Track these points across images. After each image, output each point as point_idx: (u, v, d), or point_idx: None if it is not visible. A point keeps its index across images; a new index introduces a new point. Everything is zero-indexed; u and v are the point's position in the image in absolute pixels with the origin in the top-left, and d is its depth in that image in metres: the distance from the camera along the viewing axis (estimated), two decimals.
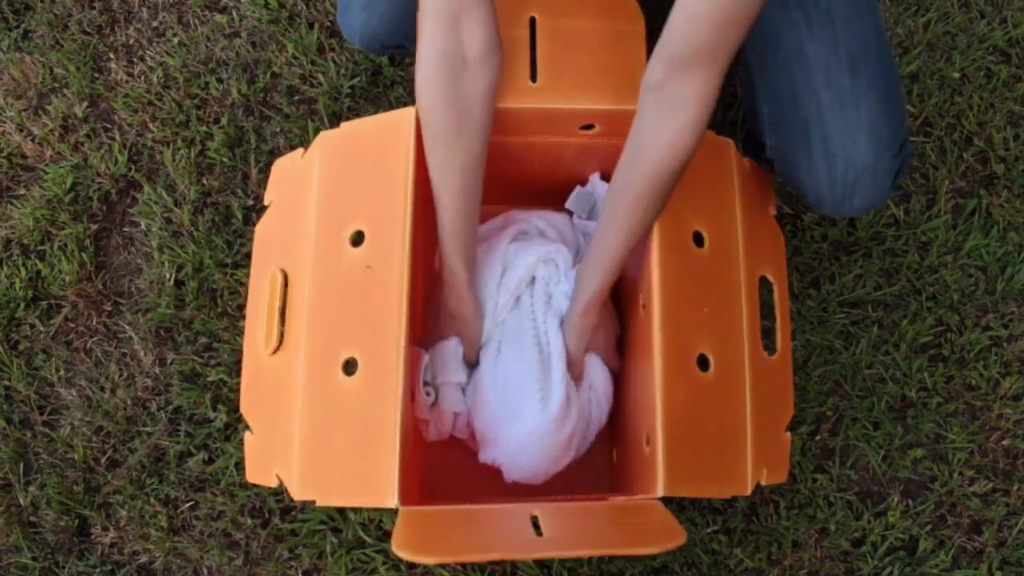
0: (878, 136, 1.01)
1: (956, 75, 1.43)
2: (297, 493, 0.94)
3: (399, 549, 0.79)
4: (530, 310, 1.09)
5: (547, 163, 1.12)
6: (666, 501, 1.24)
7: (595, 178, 1.17)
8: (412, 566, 1.20)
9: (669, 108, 0.91)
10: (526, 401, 1.05)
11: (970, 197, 1.38)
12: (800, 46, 1.02)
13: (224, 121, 1.39)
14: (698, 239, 1.02)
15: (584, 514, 0.94)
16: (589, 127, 1.07)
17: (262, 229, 1.08)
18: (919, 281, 1.33)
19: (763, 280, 1.07)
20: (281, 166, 1.10)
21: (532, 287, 1.11)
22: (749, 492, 0.98)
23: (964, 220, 1.37)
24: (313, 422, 0.95)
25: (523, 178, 1.16)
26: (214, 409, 1.27)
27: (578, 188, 1.17)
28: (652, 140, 0.93)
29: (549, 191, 1.18)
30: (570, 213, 1.19)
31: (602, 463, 1.19)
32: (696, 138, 0.92)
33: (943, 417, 1.28)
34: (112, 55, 1.45)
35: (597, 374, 1.10)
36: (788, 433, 1.04)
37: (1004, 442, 1.28)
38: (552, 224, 1.17)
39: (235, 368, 1.28)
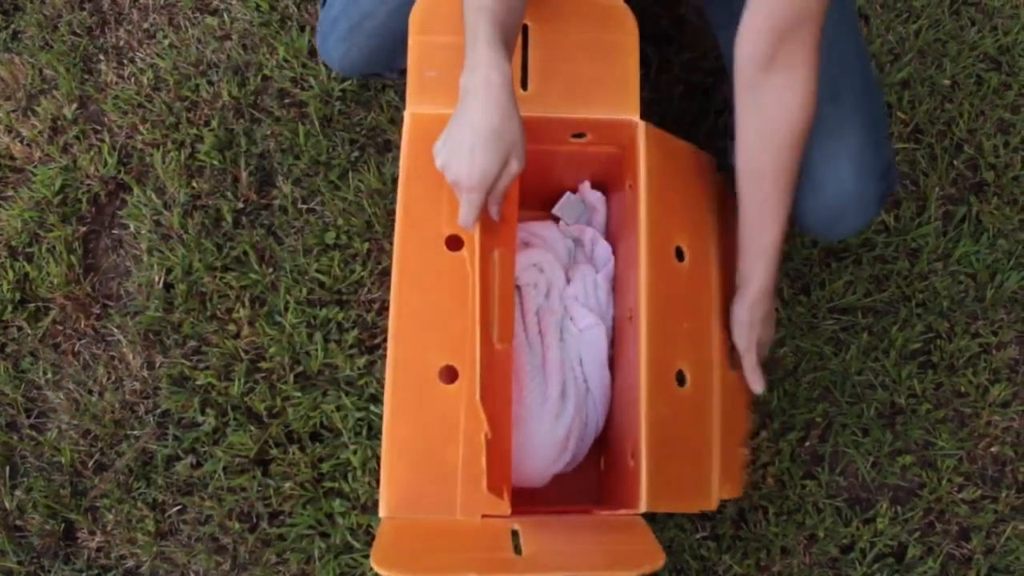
0: (861, 163, 1.01)
1: (947, 82, 1.43)
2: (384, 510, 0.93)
3: (377, 564, 0.80)
4: (519, 314, 1.09)
5: (538, 171, 1.11)
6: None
7: (585, 186, 1.17)
8: None
9: (786, 76, 0.92)
10: (522, 401, 1.05)
11: (960, 204, 1.38)
12: None
13: (214, 124, 1.39)
14: (679, 254, 1.03)
15: (566, 529, 0.94)
16: (580, 136, 1.07)
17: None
18: (909, 288, 1.34)
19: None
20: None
21: (519, 292, 1.11)
22: (715, 507, 1.00)
23: (954, 227, 1.37)
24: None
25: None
26: (202, 413, 1.26)
27: (568, 194, 1.17)
28: (780, 112, 0.93)
29: (540, 198, 1.18)
30: (557, 220, 1.18)
31: (593, 468, 1.19)
32: (816, 91, 0.93)
33: (932, 424, 1.29)
34: (102, 57, 1.44)
35: (595, 377, 1.10)
36: (743, 448, 1.07)
37: (993, 449, 1.28)
38: (536, 234, 1.16)
39: (224, 372, 1.28)
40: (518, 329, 1.09)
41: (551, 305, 1.11)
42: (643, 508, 0.93)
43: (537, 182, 1.15)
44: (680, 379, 0.99)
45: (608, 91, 1.03)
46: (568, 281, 1.12)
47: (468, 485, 0.91)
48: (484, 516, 0.91)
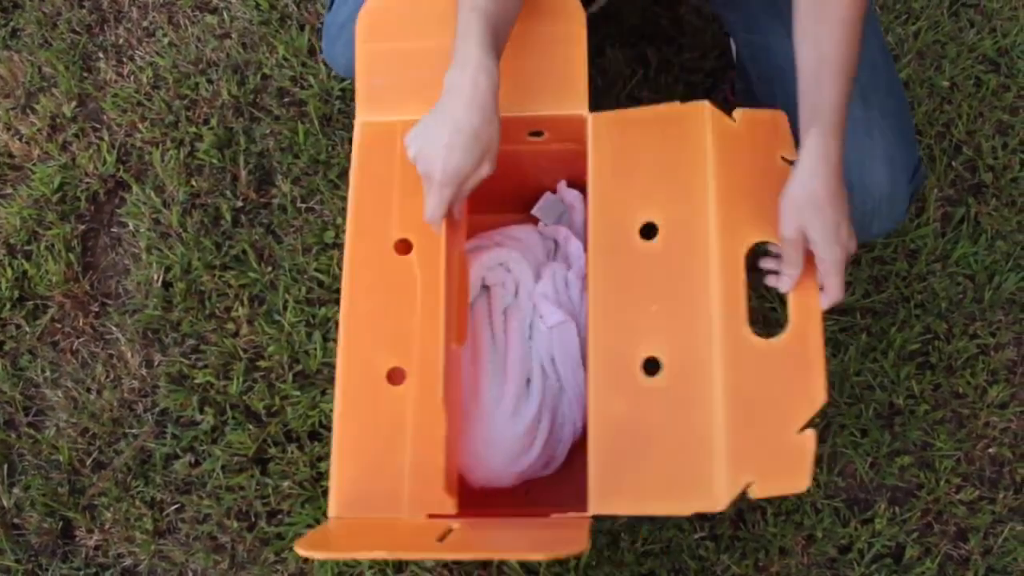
0: (893, 163, 1.00)
1: (946, 84, 1.44)
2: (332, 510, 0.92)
3: (297, 547, 0.80)
4: (486, 311, 1.08)
5: (505, 172, 1.07)
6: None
7: (562, 185, 1.16)
8: (398, 570, 1.20)
9: None
10: (479, 398, 1.05)
11: (959, 205, 1.39)
12: None
13: (214, 122, 1.38)
14: (649, 231, 0.96)
15: (505, 528, 0.92)
16: (538, 134, 1.04)
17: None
18: (908, 289, 1.34)
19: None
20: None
21: (487, 293, 1.10)
22: (723, 508, 0.87)
23: (953, 228, 1.37)
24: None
25: (486, 188, 1.05)
26: (201, 411, 1.26)
27: (547, 194, 1.16)
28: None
29: (518, 200, 1.16)
30: (536, 221, 1.17)
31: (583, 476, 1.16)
32: None
33: (930, 425, 1.29)
34: (101, 55, 1.44)
35: (569, 376, 1.09)
36: (810, 431, 0.87)
37: (991, 450, 1.29)
38: (510, 235, 1.15)
39: (222, 370, 1.28)
40: (484, 329, 1.08)
41: (519, 303, 1.09)
42: (590, 510, 0.89)
43: (510, 184, 1.10)
44: (652, 368, 0.92)
45: (557, 86, 1.00)
46: (538, 279, 1.11)
47: (415, 485, 0.90)
48: (431, 516, 0.89)
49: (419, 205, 0.95)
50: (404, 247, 0.96)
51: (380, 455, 0.91)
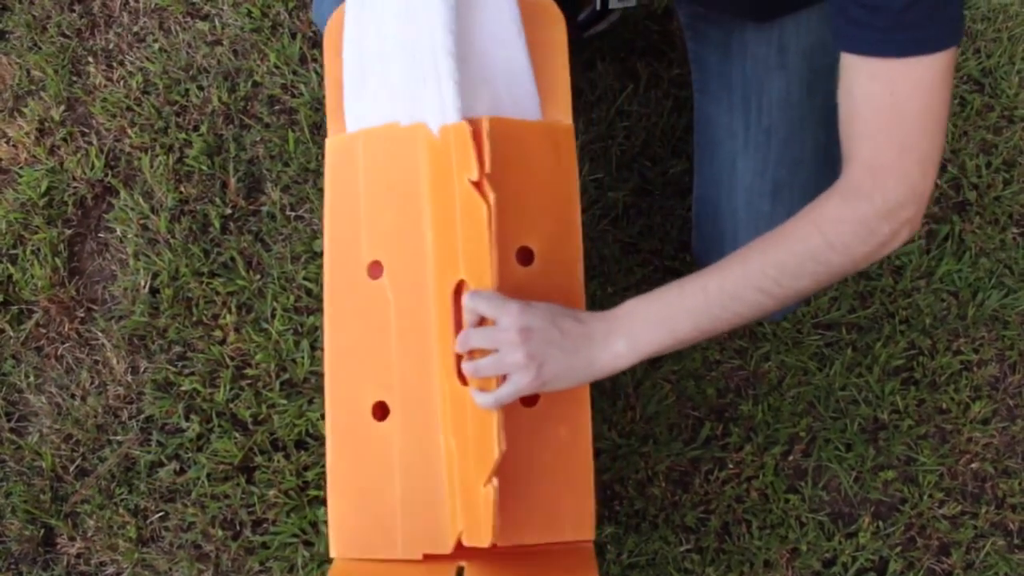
0: None
1: None
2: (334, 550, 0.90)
3: None
4: None
5: None
6: (639, 519, 1.24)
7: None
8: None
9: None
10: None
11: (943, 223, 1.40)
12: (732, 161, 1.02)
13: (203, 129, 1.38)
14: (526, 256, 0.91)
15: (515, 566, 0.88)
16: None
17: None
18: (892, 304, 1.35)
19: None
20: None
21: None
22: (448, 551, 0.85)
23: (937, 245, 1.39)
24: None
25: None
26: (186, 419, 1.26)
27: None
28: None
29: None
30: None
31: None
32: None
33: (914, 439, 1.30)
34: (91, 59, 1.44)
35: None
36: (491, 485, 0.82)
37: (973, 465, 1.30)
38: None
39: (209, 378, 1.27)
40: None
41: None
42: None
43: None
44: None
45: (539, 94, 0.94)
46: None
47: (408, 524, 0.87)
48: (426, 556, 0.87)
49: (387, 221, 0.90)
50: (376, 269, 0.91)
51: (371, 494, 0.89)
